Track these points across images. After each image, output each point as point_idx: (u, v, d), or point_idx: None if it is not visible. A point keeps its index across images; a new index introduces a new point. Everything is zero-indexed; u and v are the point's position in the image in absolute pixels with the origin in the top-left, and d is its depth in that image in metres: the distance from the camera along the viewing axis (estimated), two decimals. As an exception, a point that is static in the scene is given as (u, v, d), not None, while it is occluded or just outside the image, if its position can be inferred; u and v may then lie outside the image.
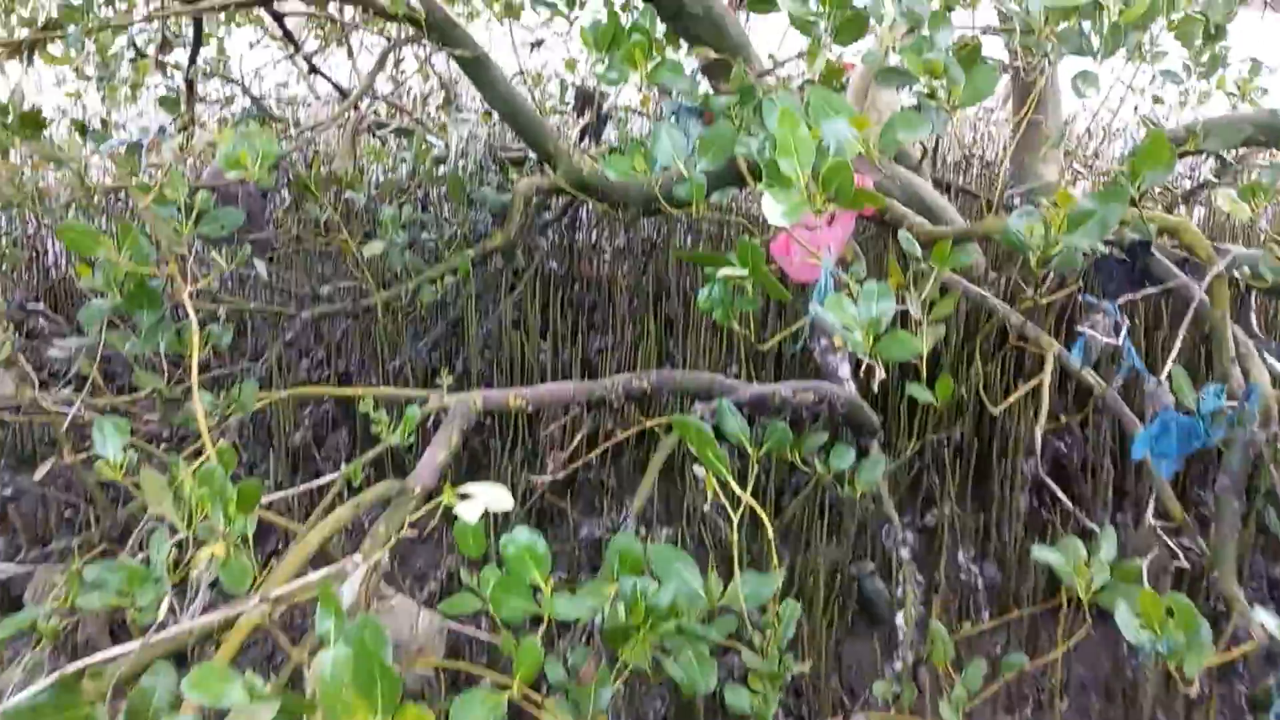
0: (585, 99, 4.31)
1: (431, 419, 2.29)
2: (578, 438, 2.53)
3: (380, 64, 3.26)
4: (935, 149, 4.52)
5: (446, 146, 3.66)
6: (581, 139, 4.21)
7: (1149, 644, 1.28)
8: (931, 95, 1.79)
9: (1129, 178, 1.91)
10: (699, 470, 1.70)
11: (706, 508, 2.51)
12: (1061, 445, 2.84)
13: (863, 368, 2.77)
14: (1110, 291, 2.80)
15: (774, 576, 1.66)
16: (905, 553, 2.27)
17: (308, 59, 3.76)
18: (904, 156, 3.53)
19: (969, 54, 1.93)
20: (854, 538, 2.68)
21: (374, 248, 3.04)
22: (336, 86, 3.80)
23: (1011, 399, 2.40)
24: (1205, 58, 2.36)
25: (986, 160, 4.89)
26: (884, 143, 1.66)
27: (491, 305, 3.52)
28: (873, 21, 1.92)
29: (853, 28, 1.96)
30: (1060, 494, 2.11)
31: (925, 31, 1.88)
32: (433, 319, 3.62)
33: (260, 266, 3.33)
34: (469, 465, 3.16)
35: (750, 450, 1.76)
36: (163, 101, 3.44)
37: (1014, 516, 2.62)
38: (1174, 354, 2.02)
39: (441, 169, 3.56)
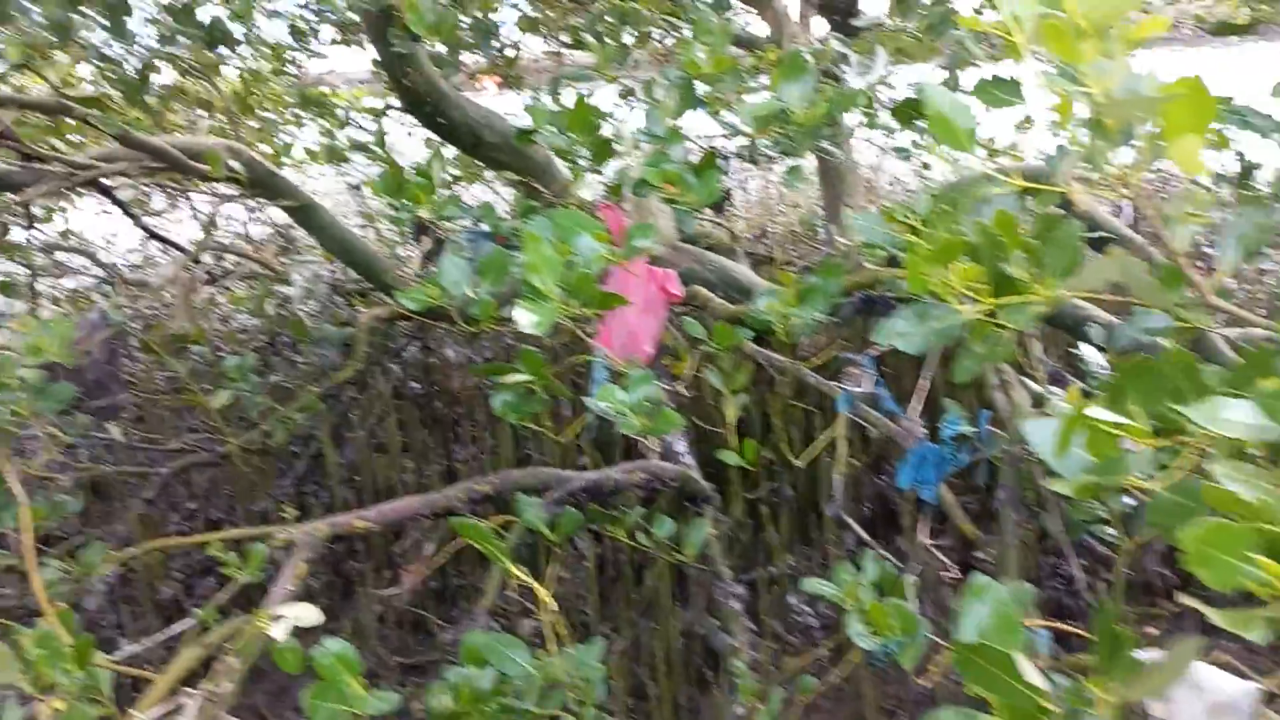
0: (421, 227, 4.56)
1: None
2: (427, 550, 2.68)
3: (209, 225, 3.45)
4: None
5: (290, 289, 3.85)
6: (425, 263, 4.45)
7: (879, 647, 1.50)
8: (672, 201, 2.07)
9: (872, 248, 2.21)
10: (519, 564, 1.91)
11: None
12: (881, 482, 3.12)
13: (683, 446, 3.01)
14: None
15: (596, 648, 1.85)
16: (735, 604, 2.48)
17: (144, 226, 3.92)
18: (719, 243, 3.85)
19: (705, 161, 2.23)
20: (705, 599, 2.88)
21: (221, 398, 3.19)
22: (175, 246, 3.97)
23: (811, 451, 2.66)
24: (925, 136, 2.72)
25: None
26: (627, 250, 1.91)
27: (351, 433, 3.68)
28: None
29: (603, 151, 2.24)
30: (856, 528, 2.35)
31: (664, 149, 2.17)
32: (297, 455, 3.76)
33: (114, 431, 3.44)
34: (344, 591, 3.28)
35: (549, 536, 1.96)
36: (3, 287, 3.56)
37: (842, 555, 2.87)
38: (922, 391, 2.31)
39: (284, 312, 3.74)
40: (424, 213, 2.30)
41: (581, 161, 2.23)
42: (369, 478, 3.59)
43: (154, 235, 3.96)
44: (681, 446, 3.04)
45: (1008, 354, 1.10)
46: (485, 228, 2.50)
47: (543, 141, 2.17)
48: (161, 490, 3.34)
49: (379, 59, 3.01)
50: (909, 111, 2.47)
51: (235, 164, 3.38)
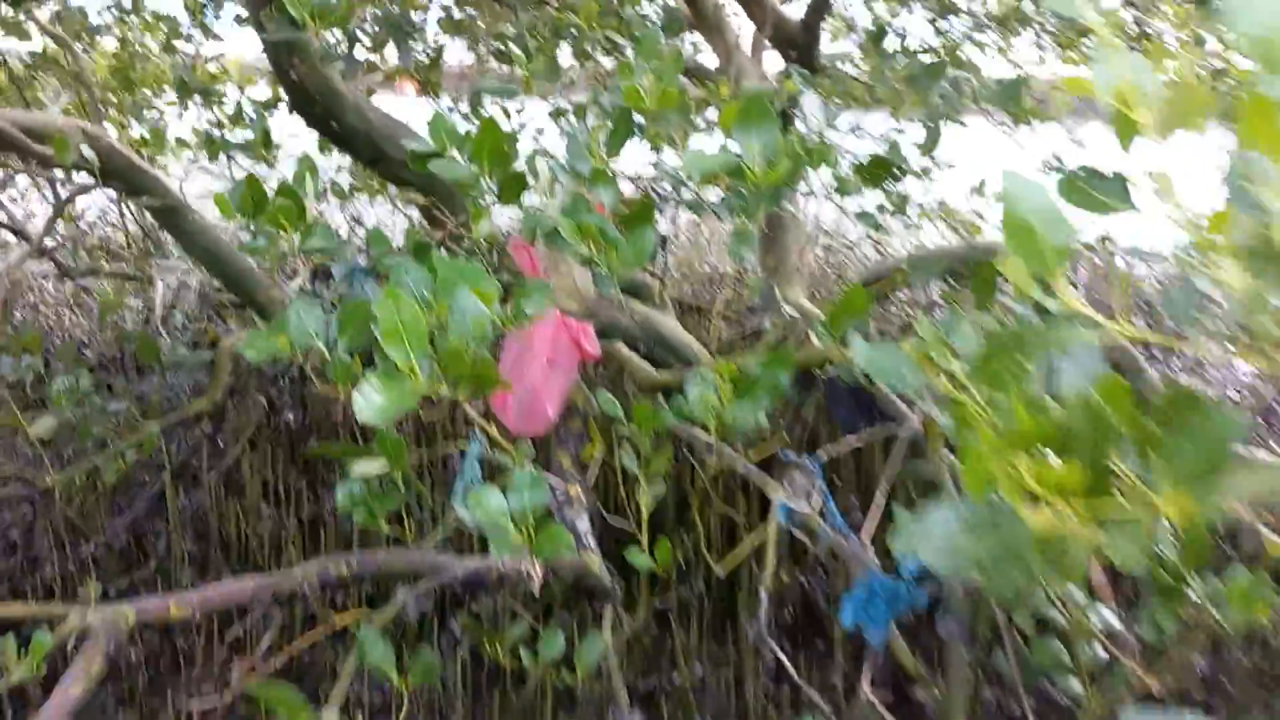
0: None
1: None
2: (265, 641, 2.21)
3: (54, 217, 2.93)
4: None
5: (150, 299, 3.33)
6: (313, 280, 3.96)
7: None
8: (590, 260, 1.66)
9: (828, 327, 1.84)
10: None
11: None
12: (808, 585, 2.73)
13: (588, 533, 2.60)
14: (839, 417, 2.75)
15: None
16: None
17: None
18: (645, 289, 3.45)
19: (637, 212, 1.83)
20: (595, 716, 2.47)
21: (43, 425, 2.67)
22: (17, 233, 3.42)
23: (734, 557, 2.27)
24: (894, 198, 2.38)
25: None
26: (513, 316, 1.50)
27: (203, 473, 3.17)
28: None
29: (514, 188, 1.82)
30: (782, 658, 1.96)
31: (585, 190, 1.76)
32: (142, 487, 3.24)
33: (-87, 451, 2.89)
34: (170, 668, 2.76)
35: (396, 680, 1.53)
36: None
37: (757, 673, 2.48)
38: (877, 511, 1.93)
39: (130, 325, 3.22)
40: (285, 243, 1.85)
41: (486, 199, 1.81)
42: (218, 526, 3.10)
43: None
44: (583, 526, 2.61)
45: (1078, 574, 0.72)
46: (363, 261, 2.06)
47: (440, 171, 1.75)
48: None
49: (263, 45, 2.55)
50: (879, 171, 2.11)
51: (89, 151, 2.87)
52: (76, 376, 2.78)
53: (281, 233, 1.84)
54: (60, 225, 3.37)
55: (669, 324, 3.25)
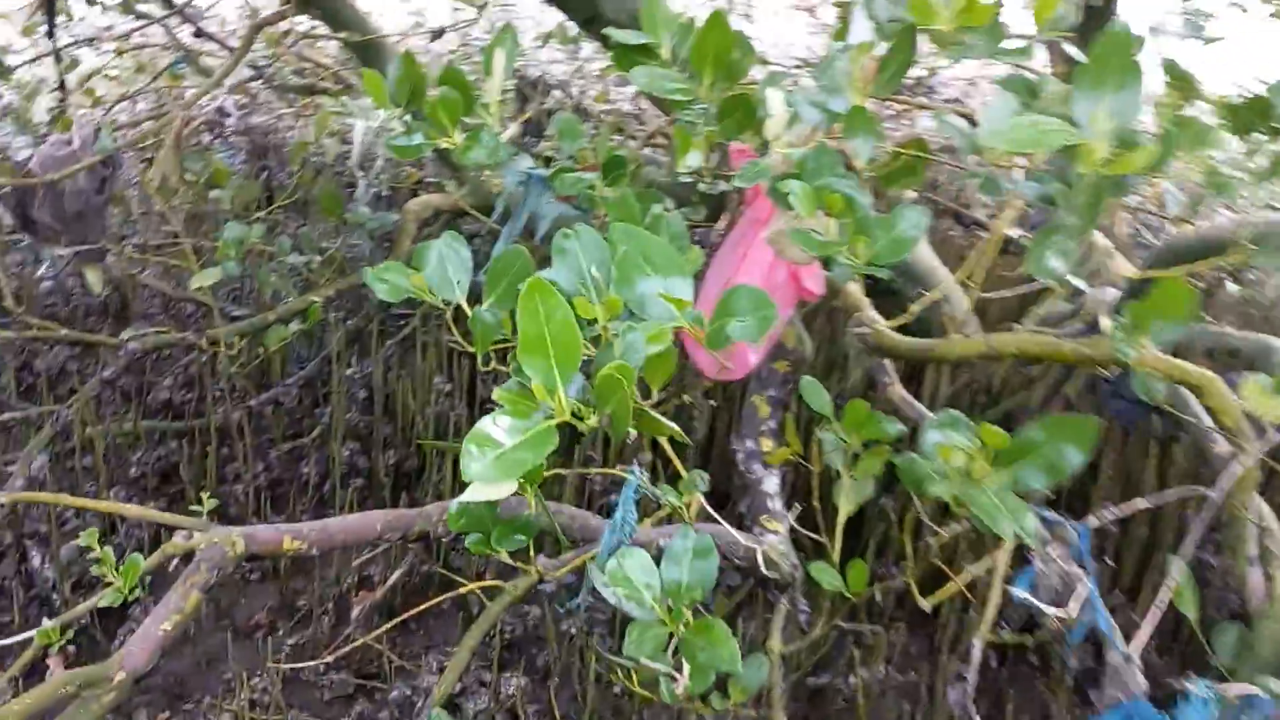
0: (530, 86, 3.68)
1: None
2: (392, 578, 1.97)
3: (245, 47, 2.66)
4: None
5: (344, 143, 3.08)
6: (524, 134, 3.60)
7: None
8: (830, 246, 1.19)
9: (1129, 331, 1.32)
10: None
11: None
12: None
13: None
14: (1118, 411, 2.20)
15: None
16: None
17: (194, 21, 3.16)
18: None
19: (898, 171, 1.33)
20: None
21: (206, 276, 2.48)
22: (221, 44, 3.21)
23: (943, 594, 1.82)
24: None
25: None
26: (711, 339, 1.07)
27: (373, 341, 2.95)
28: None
29: (739, 115, 1.35)
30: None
31: (833, 135, 1.28)
32: (311, 350, 3.05)
33: (92, 278, 2.79)
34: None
35: None
36: (-7, 66, 2.87)
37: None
38: (1159, 610, 1.43)
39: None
40: (446, 143, 1.46)
41: (698, 122, 1.35)
42: (384, 399, 2.89)
43: (202, 32, 3.19)
44: (772, 485, 2.17)
45: None
46: (543, 172, 1.65)
47: (642, 82, 1.30)
48: (126, 370, 2.69)
49: None
50: (1255, 115, 1.49)
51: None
52: (248, 226, 2.56)
53: (441, 135, 1.45)
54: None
55: (923, 250, 2.60)
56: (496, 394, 0.91)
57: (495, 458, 0.84)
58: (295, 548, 1.80)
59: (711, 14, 1.32)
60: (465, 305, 1.28)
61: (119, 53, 3.71)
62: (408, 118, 1.49)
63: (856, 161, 1.32)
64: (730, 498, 2.75)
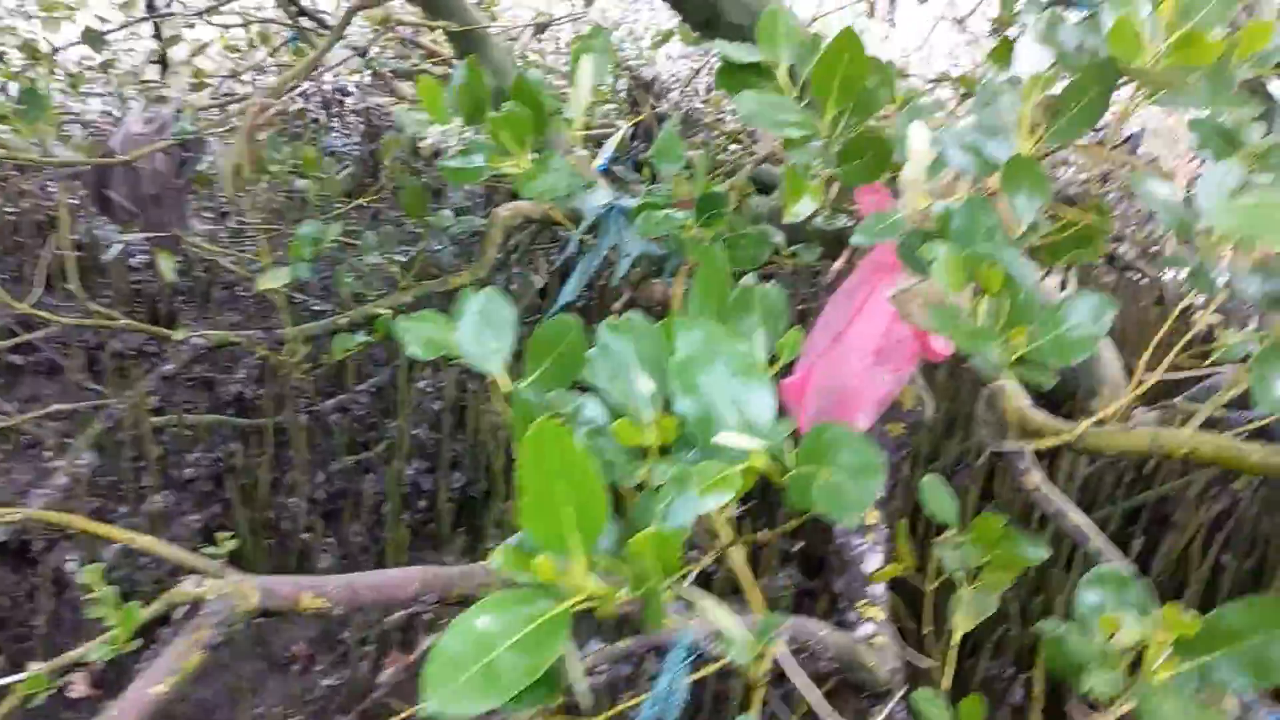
0: (643, 88, 3.43)
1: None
2: (427, 642, 1.75)
3: (340, 29, 2.48)
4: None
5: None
6: (632, 140, 3.35)
7: None
8: (980, 339, 0.91)
9: None
10: None
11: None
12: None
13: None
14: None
15: None
16: None
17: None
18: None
19: (1068, 241, 1.04)
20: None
21: (275, 276, 2.30)
22: (321, 24, 3.05)
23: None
24: None
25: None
26: (795, 488, 0.79)
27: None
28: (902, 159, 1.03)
29: (870, 156, 1.07)
30: None
31: (995, 193, 0.99)
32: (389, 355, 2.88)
33: (164, 265, 2.65)
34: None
35: None
36: (87, 36, 2.75)
37: None
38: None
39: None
40: (510, 168, 1.22)
41: (814, 163, 1.08)
42: (454, 419, 2.69)
43: (303, 11, 3.04)
44: (872, 564, 1.89)
45: None
46: (627, 202, 1.40)
47: (745, 110, 1.04)
48: (187, 365, 2.54)
49: None
50: None
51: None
52: (325, 224, 2.38)
53: (505, 157, 1.21)
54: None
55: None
56: (494, 558, 0.66)
57: (482, 668, 0.58)
58: (315, 606, 1.60)
59: (842, 30, 1.04)
60: (503, 379, 1.04)
61: (244, 24, 3.61)
62: (468, 133, 1.25)
63: (1014, 225, 1.03)
64: (824, 566, 2.47)
